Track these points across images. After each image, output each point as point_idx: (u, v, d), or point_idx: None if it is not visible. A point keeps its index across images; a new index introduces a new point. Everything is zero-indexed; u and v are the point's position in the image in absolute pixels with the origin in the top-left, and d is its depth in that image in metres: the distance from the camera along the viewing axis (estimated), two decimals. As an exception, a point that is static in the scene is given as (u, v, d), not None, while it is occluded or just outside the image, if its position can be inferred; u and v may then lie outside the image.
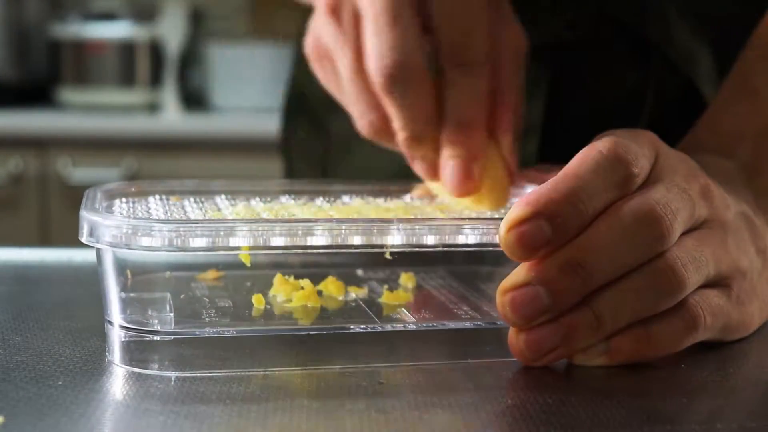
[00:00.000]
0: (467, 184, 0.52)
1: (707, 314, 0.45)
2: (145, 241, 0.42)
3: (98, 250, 0.45)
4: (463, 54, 0.51)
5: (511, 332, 0.44)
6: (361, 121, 0.54)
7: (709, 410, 0.42)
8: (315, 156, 0.85)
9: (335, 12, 0.53)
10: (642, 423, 0.38)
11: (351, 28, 0.52)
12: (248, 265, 0.45)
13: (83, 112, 2.11)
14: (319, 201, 0.55)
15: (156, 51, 2.18)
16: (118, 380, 0.42)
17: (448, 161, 0.52)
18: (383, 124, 0.53)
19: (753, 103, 0.57)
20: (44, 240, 2.04)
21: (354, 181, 0.58)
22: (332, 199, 0.55)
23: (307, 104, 0.85)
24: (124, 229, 0.42)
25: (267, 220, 0.44)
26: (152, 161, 2.03)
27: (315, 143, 0.85)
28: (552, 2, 0.67)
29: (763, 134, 0.55)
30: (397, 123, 0.52)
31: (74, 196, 2.00)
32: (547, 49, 0.66)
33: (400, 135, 0.53)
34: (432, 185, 0.56)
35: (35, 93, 2.24)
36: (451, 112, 0.51)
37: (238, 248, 0.43)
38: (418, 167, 0.54)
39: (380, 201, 0.56)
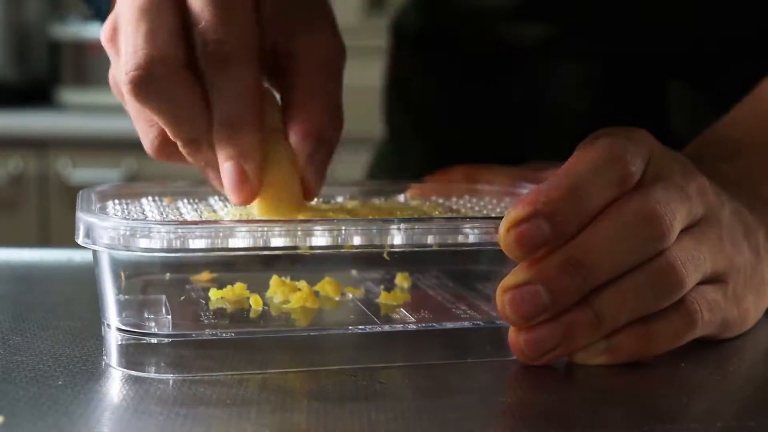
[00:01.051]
0: (242, 187, 0.47)
1: (704, 310, 0.45)
2: (144, 243, 0.42)
3: (95, 252, 0.45)
4: (217, 49, 0.46)
5: (511, 331, 0.44)
6: (145, 142, 0.50)
7: (708, 409, 0.42)
8: (416, 144, 0.85)
9: (112, 40, 0.49)
10: (642, 422, 0.38)
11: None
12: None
13: (83, 112, 2.11)
14: (314, 201, 0.55)
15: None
16: (119, 381, 0.42)
17: (223, 165, 0.47)
18: (164, 141, 0.49)
19: (762, 120, 0.57)
20: (44, 240, 2.04)
21: (348, 181, 0.58)
22: (327, 199, 0.55)
23: (403, 94, 0.86)
24: (122, 231, 0.42)
25: (265, 221, 0.44)
26: (152, 162, 2.02)
27: (414, 132, 0.85)
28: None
29: (764, 146, 0.55)
30: (168, 132, 0.48)
31: (74, 197, 1.98)
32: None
33: (179, 144, 0.49)
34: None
35: (35, 93, 2.24)
36: (216, 114, 0.47)
37: (236, 249, 0.43)
38: (210, 179, 0.50)
39: (375, 201, 0.56)
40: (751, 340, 0.50)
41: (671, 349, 0.45)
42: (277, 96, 0.52)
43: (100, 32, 0.50)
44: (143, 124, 0.50)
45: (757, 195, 0.52)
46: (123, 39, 0.47)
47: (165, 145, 0.49)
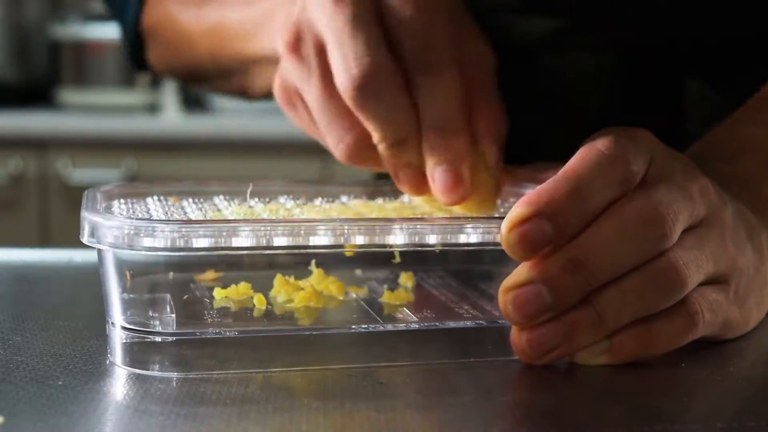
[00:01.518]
0: (458, 190, 0.51)
1: (706, 310, 0.45)
2: (148, 242, 0.42)
3: (99, 251, 0.45)
4: (427, 58, 0.50)
5: (513, 331, 0.44)
6: (339, 147, 0.53)
7: (709, 409, 0.42)
8: None
9: (296, 48, 0.52)
10: (642, 422, 0.38)
11: (314, 58, 0.52)
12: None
13: (83, 112, 2.12)
14: (318, 201, 0.55)
15: (153, 78, 2.18)
16: (119, 381, 0.42)
17: (436, 168, 0.51)
18: (361, 144, 0.52)
19: (767, 121, 0.57)
20: (44, 240, 2.04)
21: (352, 182, 0.58)
22: (331, 199, 0.55)
23: None
24: (126, 230, 0.42)
25: (270, 221, 0.44)
26: (152, 162, 2.03)
27: None
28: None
29: None
30: (376, 135, 0.51)
31: (74, 197, 2.00)
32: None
33: (382, 146, 0.51)
34: (417, 201, 0.55)
35: (35, 93, 2.24)
36: (427, 119, 0.50)
37: (240, 248, 0.43)
38: (404, 180, 0.53)
39: (379, 201, 0.56)
40: (752, 341, 0.50)
41: (672, 350, 0.46)
42: None
43: (279, 40, 0.53)
44: (339, 130, 0.52)
45: (761, 196, 0.52)
46: (337, 49, 0.50)
47: (362, 149, 0.52)
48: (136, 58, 0.81)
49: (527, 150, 0.76)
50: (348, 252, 0.49)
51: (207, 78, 0.78)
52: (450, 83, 0.50)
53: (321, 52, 0.51)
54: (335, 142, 0.52)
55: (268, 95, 0.64)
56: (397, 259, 0.52)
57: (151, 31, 0.79)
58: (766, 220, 0.51)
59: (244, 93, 0.74)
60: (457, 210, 0.52)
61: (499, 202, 0.54)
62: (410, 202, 0.56)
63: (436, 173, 0.51)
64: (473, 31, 0.54)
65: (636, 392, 0.42)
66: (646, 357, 0.45)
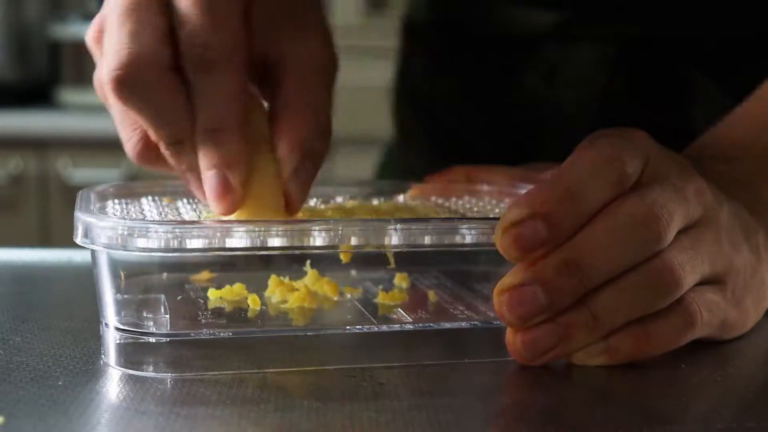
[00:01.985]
0: (225, 197, 0.46)
1: (703, 310, 0.45)
2: (142, 243, 0.42)
3: (93, 252, 0.45)
4: (202, 54, 0.46)
5: (509, 332, 0.44)
6: (126, 146, 0.49)
7: (708, 410, 0.42)
8: (426, 141, 0.86)
9: (98, 41, 0.49)
10: (642, 422, 0.38)
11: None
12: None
13: (83, 112, 2.11)
14: (312, 202, 0.55)
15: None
16: (118, 381, 0.42)
17: (205, 173, 0.47)
18: (147, 144, 0.49)
19: (763, 121, 0.57)
20: (44, 240, 2.04)
21: (348, 181, 0.58)
22: (327, 200, 0.56)
23: (414, 95, 0.86)
24: (120, 231, 0.42)
25: (264, 221, 0.44)
26: (152, 162, 2.02)
27: (425, 130, 0.86)
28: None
29: (767, 150, 0.55)
30: (151, 133, 0.47)
31: (74, 197, 1.99)
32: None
33: (161, 146, 0.47)
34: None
35: (35, 93, 2.24)
36: (199, 119, 0.46)
37: (233, 249, 0.43)
38: (191, 184, 0.49)
39: (374, 201, 0.56)
40: (751, 341, 0.50)
41: (671, 350, 0.46)
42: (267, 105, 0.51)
43: (87, 32, 0.50)
44: (127, 128, 0.49)
45: (758, 197, 0.52)
46: (107, 38, 0.47)
47: (148, 149, 0.49)
48: None
49: (529, 142, 0.77)
50: (344, 259, 0.49)
51: None
52: (226, 84, 0.47)
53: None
54: (124, 140, 0.49)
55: None
56: (392, 265, 0.52)
57: None
58: (763, 220, 0.51)
59: None
60: (234, 216, 0.48)
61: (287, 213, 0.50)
62: (406, 202, 0.56)
63: (206, 178, 0.47)
64: (312, 32, 0.51)
65: (635, 393, 0.42)
66: (644, 358, 0.45)
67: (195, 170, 0.48)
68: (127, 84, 0.45)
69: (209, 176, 0.46)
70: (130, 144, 0.49)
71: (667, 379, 0.45)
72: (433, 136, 0.85)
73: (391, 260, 0.50)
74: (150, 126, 0.47)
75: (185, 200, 0.53)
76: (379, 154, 0.93)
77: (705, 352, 0.48)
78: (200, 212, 0.51)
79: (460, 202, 0.56)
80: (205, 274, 0.54)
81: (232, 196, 0.46)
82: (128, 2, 0.46)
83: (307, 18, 0.51)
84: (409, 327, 0.47)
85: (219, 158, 0.46)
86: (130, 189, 0.54)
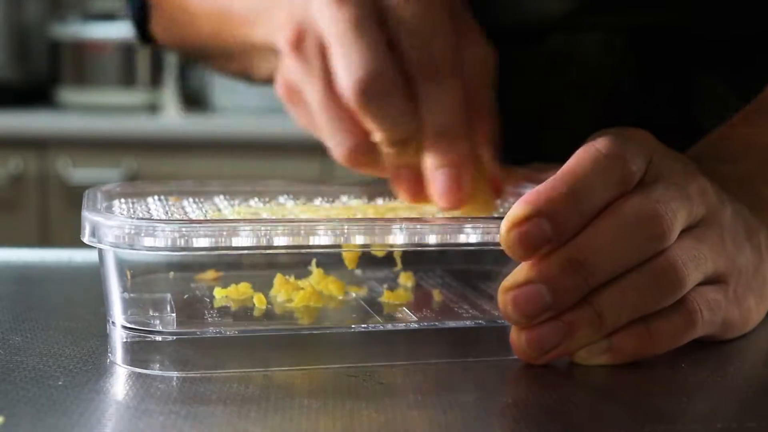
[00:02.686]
0: (457, 195, 0.51)
1: (704, 309, 0.46)
2: (148, 242, 0.42)
3: (100, 251, 0.45)
4: (430, 66, 0.50)
5: (513, 331, 0.44)
6: (338, 149, 0.53)
7: (709, 410, 0.42)
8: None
9: (297, 47, 0.52)
10: (642, 422, 0.39)
11: (316, 58, 0.52)
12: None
13: (83, 112, 2.11)
14: (318, 201, 0.55)
15: (156, 51, 2.18)
16: (119, 380, 0.42)
17: (436, 171, 0.51)
18: (361, 148, 0.52)
19: (765, 121, 0.58)
20: (44, 240, 2.04)
21: (352, 182, 0.58)
22: (331, 199, 0.56)
23: None
24: (127, 230, 0.42)
25: (270, 221, 0.44)
26: (152, 162, 2.03)
27: None
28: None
29: None
30: (378, 135, 0.51)
31: (74, 197, 2.00)
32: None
33: (384, 145, 0.52)
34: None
35: (35, 93, 2.24)
36: (430, 124, 0.50)
37: (240, 248, 0.43)
38: (402, 181, 0.53)
39: (379, 202, 0.56)
40: (752, 341, 0.50)
41: (672, 350, 0.46)
42: None
43: (281, 37, 0.53)
44: (340, 133, 0.52)
45: (760, 197, 0.52)
46: (340, 52, 0.50)
47: (361, 153, 0.52)
48: (142, 29, 0.81)
49: (536, 132, 0.76)
50: (349, 266, 0.50)
51: (210, 57, 0.78)
52: (453, 90, 0.51)
53: (322, 52, 0.51)
54: (335, 144, 0.52)
55: (269, 80, 0.64)
56: (399, 266, 0.52)
57: (156, 3, 0.79)
58: (766, 220, 0.51)
59: (247, 76, 0.74)
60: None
61: (498, 202, 0.54)
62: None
63: (436, 175, 0.51)
64: (474, 32, 0.54)
65: (636, 392, 0.42)
66: (646, 357, 0.45)
67: (411, 169, 0.52)
68: (371, 96, 0.49)
69: (440, 173, 0.51)
70: (342, 148, 0.52)
71: (668, 379, 0.45)
72: None
73: (398, 262, 0.50)
74: (380, 129, 0.51)
75: (191, 199, 0.54)
76: None
77: (706, 352, 0.48)
78: (206, 211, 0.51)
79: None
80: (210, 273, 0.54)
81: (462, 193, 0.51)
82: (350, 17, 0.50)
83: (469, 18, 0.55)
84: (414, 326, 0.47)
85: (451, 158, 0.51)
86: (136, 188, 0.54)
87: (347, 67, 0.49)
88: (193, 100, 2.25)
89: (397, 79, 0.50)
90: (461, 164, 0.51)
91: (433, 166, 0.51)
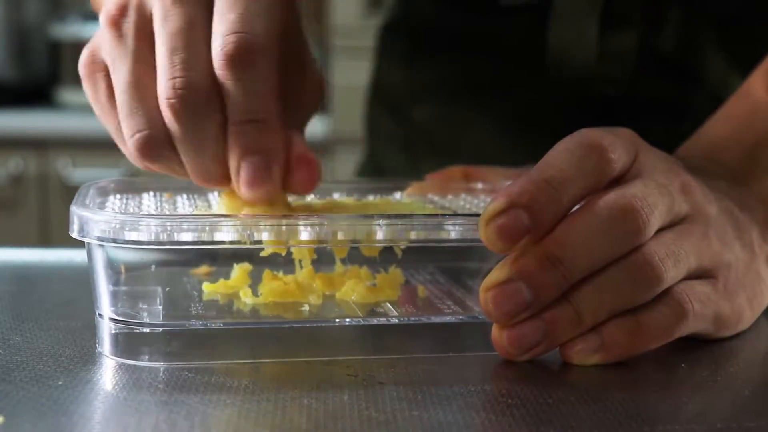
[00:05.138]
0: (264, 184, 0.47)
1: (694, 301, 0.45)
2: (133, 236, 0.43)
3: (88, 245, 0.45)
4: (246, 42, 0.46)
5: (494, 329, 0.45)
6: (136, 137, 0.48)
7: (708, 409, 0.42)
8: (399, 143, 0.86)
9: (116, 23, 0.50)
10: (641, 422, 0.39)
11: (132, 39, 0.49)
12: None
13: (83, 112, 2.11)
14: (309, 197, 0.55)
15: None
16: (120, 381, 0.42)
17: (244, 158, 0.47)
18: (160, 140, 0.48)
19: (751, 115, 0.58)
20: (44, 240, 2.04)
21: (346, 179, 0.58)
22: (322, 195, 0.56)
23: (388, 94, 0.87)
24: (112, 224, 0.43)
25: (251, 216, 0.45)
26: (152, 161, 2.03)
27: (398, 131, 0.86)
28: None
29: (756, 145, 0.56)
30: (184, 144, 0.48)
31: (74, 197, 2.00)
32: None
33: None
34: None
35: (35, 93, 2.24)
36: (238, 109, 0.47)
37: (222, 242, 0.44)
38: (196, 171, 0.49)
39: (370, 198, 0.56)
40: (751, 341, 0.50)
41: (671, 350, 0.46)
42: None
43: (102, 9, 0.51)
44: (140, 118, 0.48)
45: (750, 192, 0.52)
46: (165, 51, 0.47)
47: (159, 145, 0.48)
48: None
49: (536, 117, 0.77)
50: (339, 254, 0.50)
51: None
52: (270, 73, 0.47)
53: (142, 33, 0.49)
54: (133, 131, 0.48)
55: None
56: (399, 255, 0.53)
57: None
58: (757, 216, 0.51)
59: None
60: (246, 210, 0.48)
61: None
62: (402, 199, 0.57)
63: (245, 163, 0.47)
64: (309, 55, 0.53)
65: (634, 392, 0.42)
66: (639, 352, 0.45)
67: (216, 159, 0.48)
68: (180, 108, 0.46)
69: (250, 161, 0.46)
70: (140, 135, 0.48)
71: (667, 379, 0.45)
72: (409, 135, 0.86)
73: (398, 253, 0.50)
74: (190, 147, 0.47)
75: (185, 196, 0.54)
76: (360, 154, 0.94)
77: (705, 352, 0.48)
78: (196, 207, 0.52)
79: (456, 200, 0.56)
80: (204, 268, 0.55)
81: (272, 185, 0.47)
82: (183, 16, 0.47)
83: (305, 54, 0.52)
84: (395, 321, 0.48)
85: (262, 146, 0.47)
86: (131, 184, 0.55)
87: (170, 69, 0.47)
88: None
89: (211, 84, 0.47)
90: (276, 154, 0.47)
91: (240, 152, 0.47)
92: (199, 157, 0.47)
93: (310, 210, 0.50)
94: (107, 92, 0.50)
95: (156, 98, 0.47)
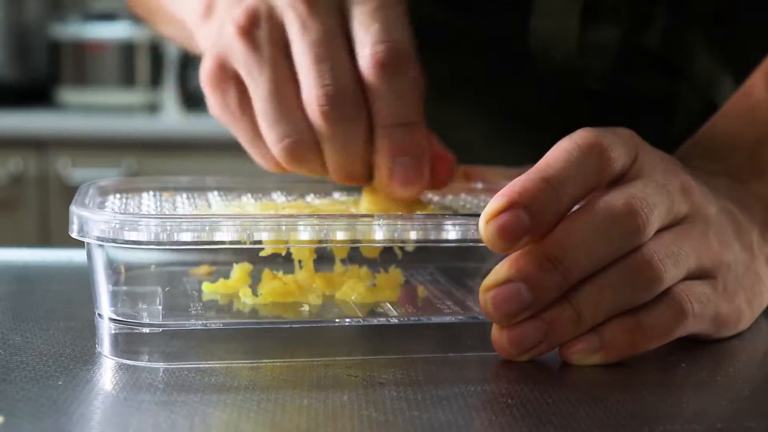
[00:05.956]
0: (417, 182, 0.51)
1: (693, 301, 0.45)
2: (132, 236, 0.43)
3: (88, 245, 0.46)
4: (395, 50, 0.50)
5: (494, 329, 0.45)
6: (283, 143, 0.50)
7: (708, 409, 0.42)
8: None
9: (249, 33, 0.51)
10: (641, 422, 0.39)
11: (269, 48, 0.51)
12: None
13: (83, 112, 2.12)
14: (309, 198, 0.55)
15: (156, 51, 2.18)
16: (120, 381, 0.42)
17: (395, 159, 0.50)
18: (307, 144, 0.51)
19: (751, 115, 0.58)
20: (44, 240, 2.04)
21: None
22: (322, 195, 0.56)
23: None
24: (112, 224, 0.43)
25: (251, 216, 0.45)
26: (152, 162, 2.03)
27: None
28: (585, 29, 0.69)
29: (757, 145, 0.56)
30: (332, 153, 0.51)
31: (74, 197, 2.00)
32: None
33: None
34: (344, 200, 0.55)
35: (35, 93, 2.24)
36: (389, 112, 0.50)
37: (222, 243, 0.44)
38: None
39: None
40: (751, 341, 0.50)
41: (671, 350, 0.46)
42: None
43: (227, 20, 0.52)
44: (286, 126, 0.51)
45: (750, 193, 0.52)
46: (310, 61, 0.50)
47: (307, 149, 0.51)
48: None
49: (525, 114, 0.77)
50: (339, 254, 0.50)
51: (158, 25, 0.78)
52: (416, 77, 0.51)
53: (277, 43, 0.51)
54: (279, 137, 0.51)
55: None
56: (399, 256, 0.53)
57: None
58: (757, 217, 0.51)
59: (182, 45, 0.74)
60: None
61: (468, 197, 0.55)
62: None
63: (396, 162, 0.50)
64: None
65: (635, 392, 0.42)
66: (638, 352, 0.45)
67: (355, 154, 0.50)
68: (332, 112, 0.49)
69: (402, 163, 0.50)
70: (288, 141, 0.50)
71: (668, 379, 0.45)
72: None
73: (398, 253, 0.50)
74: (336, 149, 0.50)
75: (185, 195, 0.54)
76: None
77: (704, 351, 0.48)
78: (196, 206, 0.52)
79: (456, 200, 0.56)
80: (204, 268, 0.55)
81: (422, 183, 0.51)
82: (322, 29, 0.50)
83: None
84: (395, 321, 0.48)
85: (412, 148, 0.50)
86: (131, 184, 0.55)
87: (316, 78, 0.50)
88: (193, 100, 2.25)
89: (357, 90, 0.50)
90: (424, 155, 0.51)
91: (391, 153, 0.50)
92: (347, 158, 0.50)
93: (310, 210, 0.51)
94: (239, 101, 0.52)
95: (298, 106, 0.50)
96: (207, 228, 0.43)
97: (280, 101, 0.50)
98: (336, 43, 0.50)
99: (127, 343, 0.44)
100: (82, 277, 0.52)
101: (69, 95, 2.18)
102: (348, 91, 0.49)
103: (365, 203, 0.52)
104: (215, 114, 0.55)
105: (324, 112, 0.49)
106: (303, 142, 0.50)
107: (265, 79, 0.51)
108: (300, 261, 0.51)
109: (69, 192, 2.01)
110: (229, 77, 0.52)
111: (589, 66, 0.73)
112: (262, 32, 0.51)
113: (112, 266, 0.47)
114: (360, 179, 0.52)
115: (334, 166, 0.51)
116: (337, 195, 0.57)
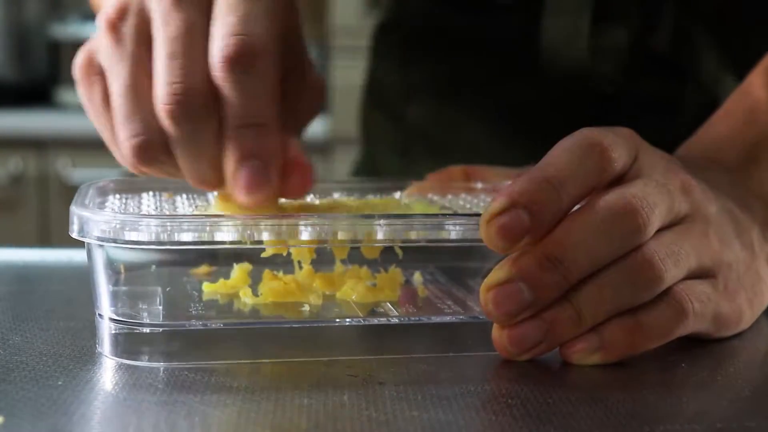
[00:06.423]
0: (262, 188, 0.47)
1: (694, 300, 0.45)
2: (133, 236, 0.43)
3: (88, 245, 0.46)
4: (246, 44, 0.46)
5: (495, 329, 0.45)
6: (132, 140, 0.48)
7: (708, 409, 0.42)
8: (394, 144, 0.87)
9: (115, 27, 0.49)
10: (641, 422, 0.39)
11: (131, 43, 0.49)
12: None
13: (83, 112, 2.11)
14: (309, 197, 0.55)
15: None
16: (120, 381, 0.42)
17: (241, 163, 0.47)
18: (157, 144, 0.48)
19: (750, 114, 0.58)
20: (44, 240, 2.05)
21: (347, 179, 0.58)
22: (323, 195, 0.56)
23: (383, 94, 0.87)
24: (112, 224, 0.43)
25: (252, 216, 0.45)
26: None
27: (392, 131, 0.86)
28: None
29: (757, 143, 0.56)
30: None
31: (74, 197, 2.00)
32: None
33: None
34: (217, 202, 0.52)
35: (35, 93, 2.24)
36: (238, 112, 0.46)
37: (222, 243, 0.44)
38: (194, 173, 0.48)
39: (370, 197, 0.56)
40: (751, 341, 0.50)
41: (671, 350, 0.46)
42: None
43: (101, 12, 0.50)
44: (137, 123, 0.48)
45: (750, 192, 0.52)
46: (165, 56, 0.47)
47: (156, 149, 0.48)
48: None
49: (530, 115, 0.77)
50: (338, 254, 0.50)
51: None
52: (269, 75, 0.47)
53: (141, 38, 0.49)
54: (130, 134, 0.48)
55: None
56: (400, 256, 0.53)
57: None
58: (757, 216, 0.51)
59: None
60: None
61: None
62: (401, 199, 0.57)
63: (241, 168, 0.47)
64: (308, 59, 0.53)
65: (634, 392, 0.42)
66: (638, 352, 0.45)
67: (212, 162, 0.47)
68: (177, 114, 0.46)
69: (247, 166, 0.46)
70: (137, 140, 0.48)
71: (668, 379, 0.45)
72: (403, 135, 0.86)
73: (399, 253, 0.50)
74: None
75: (184, 195, 0.54)
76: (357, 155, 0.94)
77: (705, 351, 0.48)
78: (196, 207, 0.52)
79: (456, 200, 0.56)
80: (204, 268, 0.55)
81: (269, 189, 0.47)
82: (184, 22, 0.47)
83: (306, 59, 0.53)
84: (395, 321, 0.48)
85: (260, 150, 0.46)
86: (131, 184, 0.55)
87: (168, 74, 0.47)
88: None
89: (209, 90, 0.46)
90: (273, 158, 0.47)
91: (237, 157, 0.47)
92: (196, 161, 0.47)
93: (310, 210, 0.50)
94: (102, 96, 0.50)
95: (152, 103, 0.47)
96: (207, 228, 0.43)
97: (133, 98, 0.48)
98: (194, 38, 0.47)
99: (128, 343, 0.44)
100: (82, 277, 0.52)
101: (69, 95, 2.18)
102: (197, 90, 0.46)
103: (216, 208, 0.49)
104: (84, 108, 0.53)
105: (168, 111, 0.46)
106: (152, 142, 0.47)
107: (123, 75, 0.48)
108: (299, 261, 0.51)
109: (69, 192, 2.01)
110: (96, 72, 0.51)
111: (599, 69, 0.73)
112: (127, 26, 0.49)
113: (113, 266, 0.47)
114: (214, 184, 0.48)
115: (185, 169, 0.48)
116: (336, 195, 0.57)
